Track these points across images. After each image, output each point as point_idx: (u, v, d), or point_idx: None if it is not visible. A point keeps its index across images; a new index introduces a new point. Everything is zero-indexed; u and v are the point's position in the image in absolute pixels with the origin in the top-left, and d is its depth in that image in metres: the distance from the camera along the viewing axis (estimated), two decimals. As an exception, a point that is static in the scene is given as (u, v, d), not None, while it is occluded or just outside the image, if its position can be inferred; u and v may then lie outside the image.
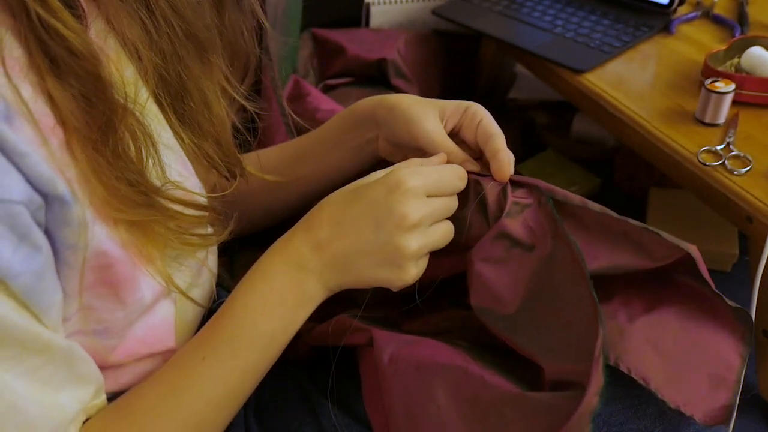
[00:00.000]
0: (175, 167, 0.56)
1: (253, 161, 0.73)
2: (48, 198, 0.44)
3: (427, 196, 0.57)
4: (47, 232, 0.45)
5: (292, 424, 0.63)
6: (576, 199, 0.59)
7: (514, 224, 0.59)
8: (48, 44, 0.44)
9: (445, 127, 0.65)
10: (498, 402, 0.53)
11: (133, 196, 0.49)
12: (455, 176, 0.60)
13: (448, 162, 0.63)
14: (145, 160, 0.51)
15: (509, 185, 0.60)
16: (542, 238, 0.58)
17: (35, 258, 0.44)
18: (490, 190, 0.60)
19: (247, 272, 0.59)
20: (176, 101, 0.57)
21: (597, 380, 0.49)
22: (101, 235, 0.48)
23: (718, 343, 0.56)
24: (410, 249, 0.56)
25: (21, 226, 0.42)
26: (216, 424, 0.56)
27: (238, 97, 0.64)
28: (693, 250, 0.55)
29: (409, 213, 0.56)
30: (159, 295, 0.55)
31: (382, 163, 0.70)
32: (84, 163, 0.47)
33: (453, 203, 0.60)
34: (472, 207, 0.61)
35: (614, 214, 0.58)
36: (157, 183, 0.52)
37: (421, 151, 0.65)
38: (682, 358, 0.55)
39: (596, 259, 0.57)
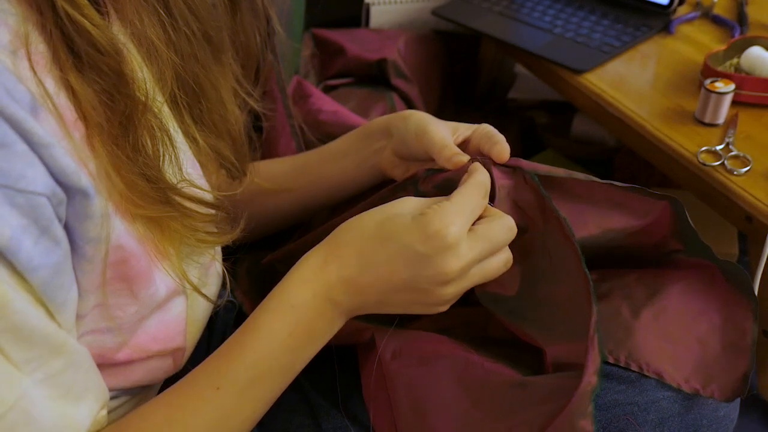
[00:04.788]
0: (185, 167, 0.57)
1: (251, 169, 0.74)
2: (70, 191, 0.44)
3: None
4: (67, 227, 0.45)
5: (291, 425, 0.63)
6: (561, 171, 0.59)
7: (504, 208, 0.58)
8: (73, 40, 0.44)
9: (455, 140, 0.65)
10: (502, 389, 0.53)
11: (151, 192, 0.49)
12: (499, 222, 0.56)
13: (442, 154, 0.62)
14: (162, 156, 0.51)
15: (493, 167, 0.59)
16: (533, 216, 0.58)
17: (54, 252, 0.44)
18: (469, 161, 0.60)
19: (268, 296, 0.56)
20: (192, 101, 0.57)
21: (594, 359, 0.49)
22: (120, 229, 0.49)
23: (726, 309, 0.56)
24: (448, 297, 0.55)
25: (43, 218, 0.42)
26: None
27: (247, 98, 0.64)
28: (675, 200, 0.56)
29: (447, 269, 0.53)
30: (173, 292, 0.55)
31: (387, 181, 0.71)
32: (104, 157, 0.47)
33: (501, 249, 0.56)
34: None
35: (600, 180, 0.58)
36: (173, 180, 0.53)
37: (426, 162, 0.65)
38: (692, 337, 0.55)
39: (586, 227, 0.57)
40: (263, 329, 0.54)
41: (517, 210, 0.58)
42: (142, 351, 0.55)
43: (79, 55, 0.45)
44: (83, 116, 0.45)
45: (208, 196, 0.58)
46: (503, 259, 0.56)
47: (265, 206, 0.76)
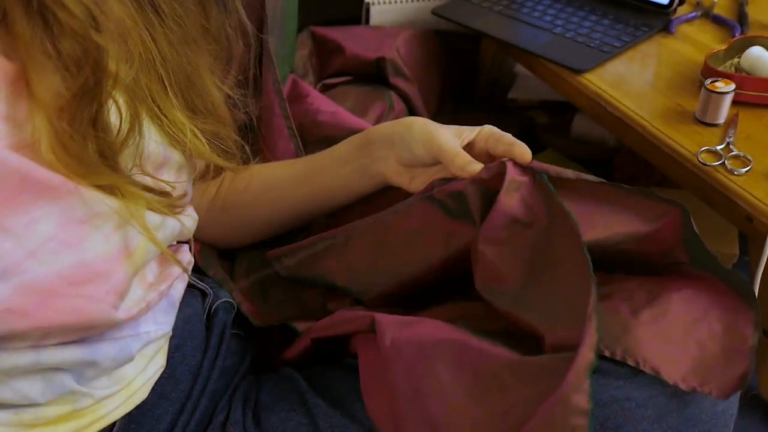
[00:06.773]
0: (149, 156, 0.54)
1: (246, 176, 0.74)
2: None
3: None
4: None
5: (288, 424, 0.63)
6: (569, 173, 0.60)
7: (512, 201, 0.59)
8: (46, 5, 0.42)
9: (461, 144, 0.66)
10: (497, 369, 0.53)
11: (99, 166, 0.47)
12: None
13: (455, 163, 0.63)
14: (125, 137, 0.49)
15: (509, 163, 0.61)
16: (539, 213, 0.59)
17: None
18: (488, 170, 0.61)
19: None
20: (185, 87, 0.56)
21: (590, 336, 0.49)
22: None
23: (727, 318, 0.56)
24: None
25: None
26: None
27: (224, 88, 0.64)
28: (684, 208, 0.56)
29: None
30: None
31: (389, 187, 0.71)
32: (57, 125, 0.44)
33: None
34: (472, 187, 0.61)
35: (609, 183, 0.59)
36: (129, 164, 0.50)
37: (432, 166, 0.66)
38: (692, 340, 0.55)
39: (594, 229, 0.57)
40: None
41: (524, 206, 0.59)
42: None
43: (47, 19, 0.42)
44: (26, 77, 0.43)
45: (164, 186, 0.54)
46: None
47: (265, 212, 0.75)
